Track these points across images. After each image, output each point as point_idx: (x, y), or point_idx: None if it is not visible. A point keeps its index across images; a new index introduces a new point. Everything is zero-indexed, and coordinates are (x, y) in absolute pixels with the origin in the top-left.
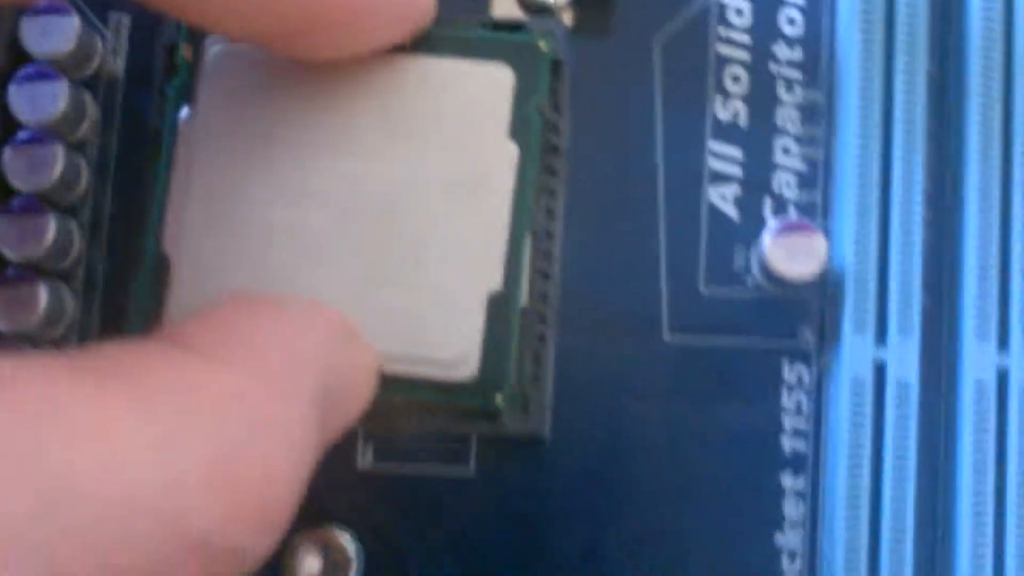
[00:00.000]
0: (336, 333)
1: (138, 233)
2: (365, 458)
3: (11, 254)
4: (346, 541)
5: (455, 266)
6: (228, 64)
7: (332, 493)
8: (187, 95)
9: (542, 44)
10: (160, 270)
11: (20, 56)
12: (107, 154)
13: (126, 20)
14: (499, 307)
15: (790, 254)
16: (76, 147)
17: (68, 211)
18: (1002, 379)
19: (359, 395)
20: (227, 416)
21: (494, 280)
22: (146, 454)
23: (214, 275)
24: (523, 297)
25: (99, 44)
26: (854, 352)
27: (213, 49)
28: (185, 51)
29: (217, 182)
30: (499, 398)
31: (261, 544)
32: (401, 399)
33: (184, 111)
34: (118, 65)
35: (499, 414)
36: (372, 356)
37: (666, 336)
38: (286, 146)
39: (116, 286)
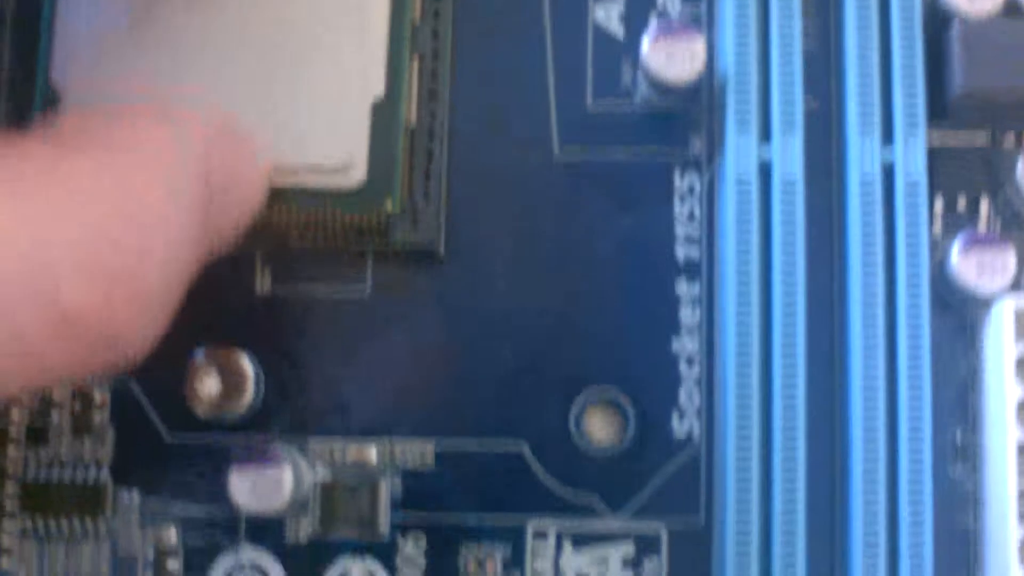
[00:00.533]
0: (220, 131)
1: (33, 76)
2: (263, 283)
3: None
4: (245, 362)
5: (338, 78)
6: None
7: (231, 317)
8: None
9: None
10: (52, 101)
11: None
12: (3, 7)
13: None
14: (383, 115)
15: (669, 57)
16: None
17: None
18: (887, 173)
19: (246, 196)
20: (99, 200)
21: (376, 90)
22: (19, 235)
23: (103, 101)
24: (412, 115)
25: None
26: (738, 152)
27: None
28: None
29: (103, 14)
30: (389, 203)
31: (134, 329)
32: (295, 212)
33: None
34: None
35: (389, 224)
36: (261, 160)
37: (556, 152)
38: None
39: (15, 127)
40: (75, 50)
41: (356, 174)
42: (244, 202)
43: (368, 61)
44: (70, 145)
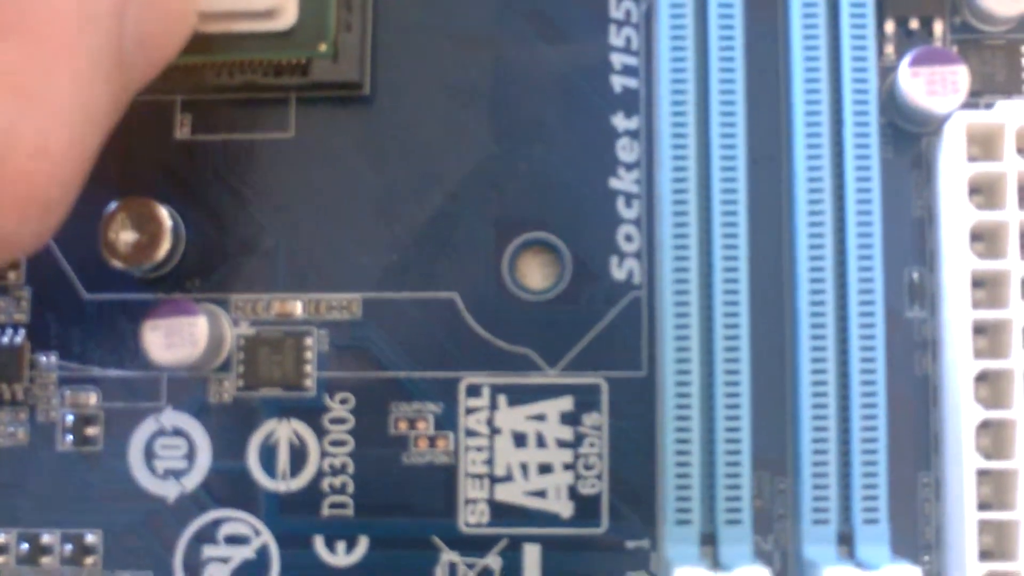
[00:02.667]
0: None
1: None
2: (183, 129)
3: None
4: (162, 212)
5: None
6: None
7: (149, 166)
8: None
9: None
10: None
11: None
12: None
13: None
14: None
15: None
16: None
17: None
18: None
19: (166, 41)
20: None
21: None
22: None
23: None
24: None
25: None
26: None
27: None
28: None
29: None
30: (323, 45)
31: (26, 232)
32: (221, 58)
33: None
34: None
35: (310, 61)
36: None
37: None
38: None
39: None
40: None
41: (287, 16)
42: (165, 47)
43: None
44: None
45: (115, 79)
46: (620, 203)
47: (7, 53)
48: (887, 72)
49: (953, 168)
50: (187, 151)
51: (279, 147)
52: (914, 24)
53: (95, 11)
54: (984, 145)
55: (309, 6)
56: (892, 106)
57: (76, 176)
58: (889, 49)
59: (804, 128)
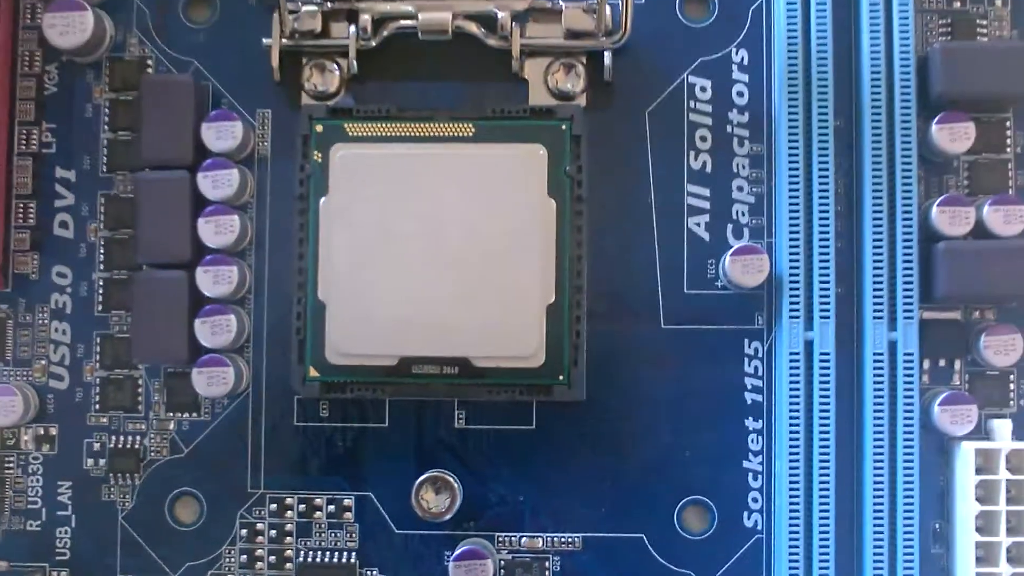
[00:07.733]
0: None
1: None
2: (460, 420)
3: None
4: (451, 476)
5: (524, 287)
6: (350, 163)
7: (434, 443)
8: (322, 188)
9: (564, 126)
10: (319, 312)
11: (202, 151)
12: (263, 214)
13: (268, 113)
14: (554, 313)
15: (744, 269)
16: (242, 207)
17: (239, 254)
18: (892, 350)
19: None
20: None
21: (549, 295)
22: None
23: (356, 311)
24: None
25: (252, 134)
26: (790, 335)
27: (338, 154)
28: (316, 156)
29: (350, 247)
30: (561, 377)
31: None
32: (494, 381)
33: (322, 200)
34: (266, 147)
35: (554, 388)
36: None
37: (663, 324)
38: (396, 215)
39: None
40: (332, 276)
41: (538, 358)
42: None
43: (543, 275)
44: None
45: None
46: (750, 478)
47: None
48: (923, 392)
49: (964, 477)
50: (463, 436)
51: (524, 435)
52: (942, 363)
53: None
54: None
55: (552, 351)
56: (928, 420)
57: None
58: (926, 379)
59: (871, 437)
